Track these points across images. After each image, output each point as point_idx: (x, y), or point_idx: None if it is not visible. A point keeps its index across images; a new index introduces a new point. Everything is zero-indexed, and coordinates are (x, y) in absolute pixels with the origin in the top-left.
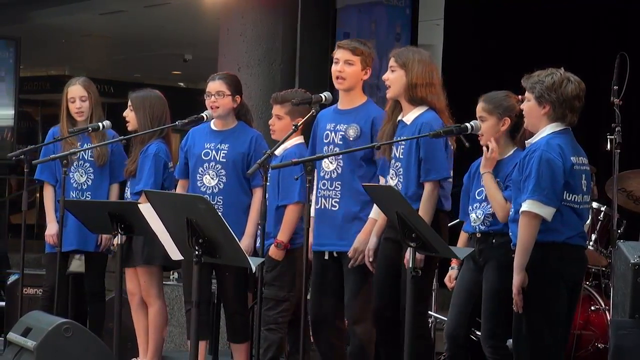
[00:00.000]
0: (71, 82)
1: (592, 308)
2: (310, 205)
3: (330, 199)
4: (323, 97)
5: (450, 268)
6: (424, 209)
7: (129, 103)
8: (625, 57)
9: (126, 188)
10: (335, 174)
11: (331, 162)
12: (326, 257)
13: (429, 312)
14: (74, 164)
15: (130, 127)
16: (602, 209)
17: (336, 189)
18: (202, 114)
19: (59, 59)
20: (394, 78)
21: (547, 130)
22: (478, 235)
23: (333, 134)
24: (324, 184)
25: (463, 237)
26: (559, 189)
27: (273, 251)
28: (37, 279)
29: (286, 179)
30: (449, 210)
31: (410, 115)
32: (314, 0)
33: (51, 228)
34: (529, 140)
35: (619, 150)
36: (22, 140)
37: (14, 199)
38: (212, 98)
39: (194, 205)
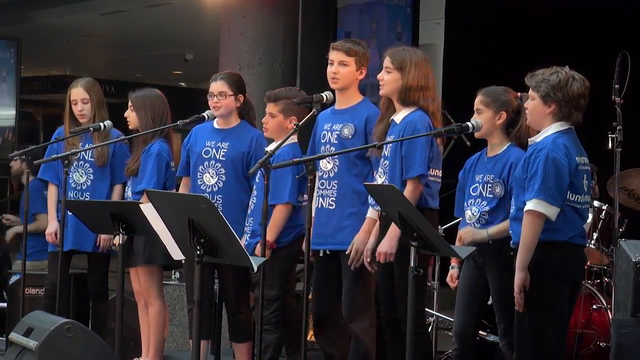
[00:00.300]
0: (74, 84)
1: (594, 307)
2: (311, 205)
3: (328, 198)
4: (324, 96)
5: (450, 267)
6: None
7: (130, 103)
8: (626, 56)
9: (127, 187)
10: (332, 173)
11: (328, 162)
12: (321, 254)
13: (431, 312)
14: (74, 164)
15: (131, 128)
16: (604, 207)
17: (333, 187)
18: (203, 114)
19: (60, 59)
20: (389, 79)
21: (551, 129)
22: None
23: (329, 133)
24: (322, 184)
25: (460, 234)
26: (564, 189)
27: (259, 251)
28: (39, 279)
29: (278, 179)
30: (436, 209)
31: (400, 115)
32: (315, 0)
33: (51, 226)
34: (532, 139)
35: (620, 149)
36: (23, 141)
37: (15, 199)
38: (214, 99)
39: (196, 205)
